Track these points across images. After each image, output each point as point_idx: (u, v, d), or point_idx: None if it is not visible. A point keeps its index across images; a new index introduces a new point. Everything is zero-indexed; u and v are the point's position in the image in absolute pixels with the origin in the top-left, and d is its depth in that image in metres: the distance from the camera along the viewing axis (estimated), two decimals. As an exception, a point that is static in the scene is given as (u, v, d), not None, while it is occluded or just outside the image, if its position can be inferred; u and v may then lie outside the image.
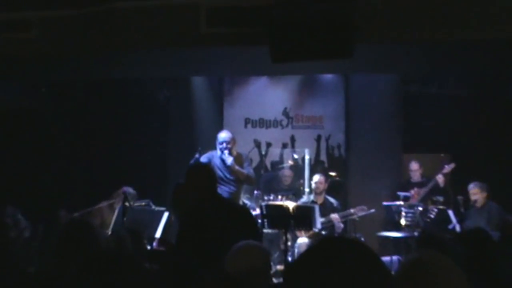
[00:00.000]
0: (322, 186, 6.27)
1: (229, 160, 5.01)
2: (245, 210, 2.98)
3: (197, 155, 4.91)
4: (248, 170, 5.21)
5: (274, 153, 7.65)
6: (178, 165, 5.04)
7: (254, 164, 7.76)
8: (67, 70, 5.30)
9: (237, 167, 5.11)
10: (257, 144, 7.45)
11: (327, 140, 7.68)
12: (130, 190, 5.23)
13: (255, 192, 6.35)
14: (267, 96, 7.99)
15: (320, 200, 6.16)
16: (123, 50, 4.41)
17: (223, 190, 5.10)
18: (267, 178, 7.03)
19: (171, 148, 7.43)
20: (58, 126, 6.85)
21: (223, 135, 5.25)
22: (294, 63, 4.28)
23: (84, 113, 7.09)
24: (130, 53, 4.68)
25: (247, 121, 7.97)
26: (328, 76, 7.88)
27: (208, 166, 3.14)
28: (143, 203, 5.07)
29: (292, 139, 7.88)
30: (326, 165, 7.74)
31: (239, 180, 5.18)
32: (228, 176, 5.22)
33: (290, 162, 7.57)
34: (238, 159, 5.29)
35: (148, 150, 7.19)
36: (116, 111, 7.21)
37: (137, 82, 7.11)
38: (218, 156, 5.13)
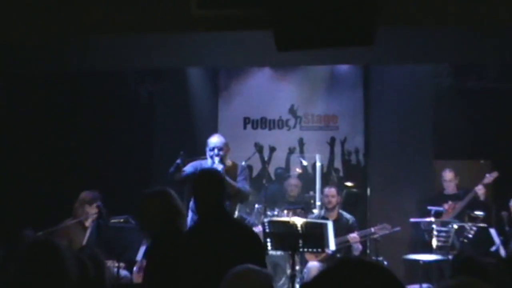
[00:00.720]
0: (335, 200, 6.23)
1: (219, 168, 4.96)
2: (254, 234, 2.98)
3: (178, 161, 4.81)
4: (242, 184, 5.14)
5: (279, 159, 7.73)
6: (163, 173, 4.98)
7: (255, 173, 7.76)
8: (24, 59, 5.08)
9: (227, 178, 5.07)
10: (259, 149, 7.45)
11: (342, 143, 7.76)
12: (90, 194, 5.12)
13: (256, 206, 6.39)
14: (271, 91, 8.00)
15: (333, 216, 6.16)
16: (96, 35, 4.34)
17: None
18: (271, 190, 7.01)
19: (156, 153, 7.52)
20: (18, 127, 6.76)
21: (214, 140, 5.19)
22: (303, 52, 4.22)
23: (50, 113, 6.98)
24: (105, 39, 4.61)
25: (246, 121, 7.98)
26: (344, 68, 7.88)
27: (220, 174, 3.12)
28: (122, 219, 4.97)
29: (301, 142, 7.88)
30: (341, 173, 7.74)
31: (231, 195, 5.13)
32: None
33: (298, 170, 7.56)
34: (232, 169, 5.21)
35: (128, 155, 7.24)
36: (89, 109, 7.21)
37: (114, 74, 7.08)
38: (209, 165, 5.07)
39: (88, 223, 5.16)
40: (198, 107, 7.62)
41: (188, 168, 5.05)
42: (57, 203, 5.61)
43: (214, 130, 7.02)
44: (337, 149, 7.77)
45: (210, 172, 3.16)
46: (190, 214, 4.97)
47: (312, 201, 6.98)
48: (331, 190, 6.27)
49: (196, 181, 2.94)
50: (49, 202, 6.12)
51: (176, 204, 2.68)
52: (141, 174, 7.32)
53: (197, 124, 7.47)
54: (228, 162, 5.24)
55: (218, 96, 7.98)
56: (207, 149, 5.14)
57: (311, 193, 7.10)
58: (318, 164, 7.31)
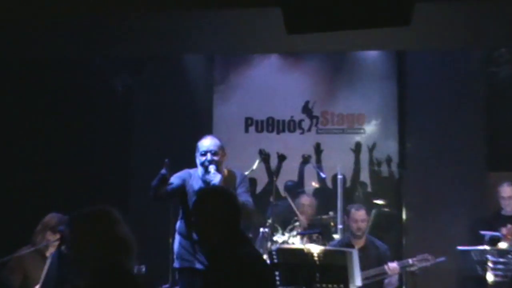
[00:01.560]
0: (365, 225, 6.18)
1: (216, 178, 4.91)
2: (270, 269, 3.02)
3: (163, 171, 4.75)
4: (244, 197, 5.02)
5: (290, 171, 7.69)
6: (144, 186, 5.00)
7: (259, 187, 7.78)
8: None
9: None
10: (264, 157, 7.43)
11: (370, 150, 7.82)
12: (56, 217, 5.06)
13: (261, 230, 6.33)
14: (280, 84, 7.98)
15: (359, 243, 6.06)
16: (63, 16, 4.36)
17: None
18: (280, 209, 6.98)
19: (135, 161, 7.61)
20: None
21: (207, 142, 4.99)
22: (320, 35, 4.18)
23: (3, 110, 7.02)
24: (74, 22, 4.64)
25: (248, 122, 7.98)
26: (373, 55, 7.85)
27: (232, 193, 3.14)
28: None
29: (318, 149, 7.89)
30: (369, 189, 7.74)
31: None
32: None
33: (314, 185, 7.56)
34: (229, 179, 5.05)
35: (101, 164, 7.25)
36: (52, 106, 7.25)
37: (83, 64, 7.15)
38: (199, 176, 5.02)
39: (48, 252, 5.02)
40: (187, 104, 7.66)
41: (175, 180, 4.95)
42: (12, 221, 5.60)
43: (207, 132, 6.95)
44: (364, 158, 7.79)
45: (220, 191, 3.17)
46: (177, 237, 4.96)
47: (332, 224, 6.94)
48: (360, 213, 6.13)
49: (210, 205, 2.95)
50: (2, 220, 6.13)
51: (120, 232, 2.53)
52: (117, 187, 7.30)
53: (186, 126, 7.48)
54: (224, 171, 5.17)
55: (213, 91, 7.99)
56: (197, 154, 4.98)
57: (331, 213, 7.04)
58: (339, 177, 7.24)
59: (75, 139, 7.23)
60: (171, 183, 4.82)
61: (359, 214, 6.08)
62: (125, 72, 7.69)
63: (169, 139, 7.37)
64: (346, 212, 6.26)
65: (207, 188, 3.31)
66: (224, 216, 2.89)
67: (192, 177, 4.94)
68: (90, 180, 7.06)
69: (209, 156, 4.91)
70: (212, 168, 4.85)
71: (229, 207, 2.95)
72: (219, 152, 4.95)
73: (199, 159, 4.95)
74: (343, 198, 7.12)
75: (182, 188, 4.85)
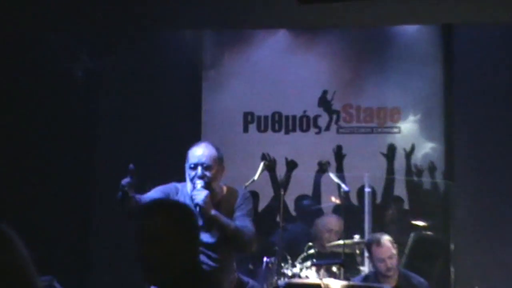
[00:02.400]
0: (394, 261, 6.04)
1: (200, 196, 4.87)
2: None
3: (126, 180, 4.63)
4: (242, 221, 5.04)
5: (303, 183, 7.79)
6: (112, 199, 4.92)
7: (262, 204, 7.71)
8: None
9: (214, 213, 4.95)
10: (269, 164, 7.33)
11: (408, 155, 7.80)
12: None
13: (265, 259, 6.37)
14: (289, 69, 7.97)
15: (391, 281, 6.02)
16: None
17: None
18: (290, 233, 7.11)
19: (100, 167, 7.63)
20: None
21: (198, 152, 4.97)
22: (340, 6, 4.06)
23: None
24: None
25: (248, 118, 8.00)
26: (411, 30, 7.84)
27: (190, 211, 2.99)
28: (45, 283, 5.01)
29: (339, 153, 7.87)
30: (405, 205, 7.69)
31: (224, 242, 5.03)
32: (203, 233, 5.02)
33: (335, 201, 7.60)
34: (228, 199, 5.09)
35: (56, 170, 7.31)
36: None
37: (33, 42, 7.22)
38: (188, 192, 4.98)
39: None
40: (168, 95, 7.67)
41: (155, 194, 4.96)
42: None
43: (195, 134, 7.03)
44: (399, 165, 7.79)
45: (171, 204, 3.02)
46: None
47: (358, 252, 6.89)
48: (384, 249, 6.00)
49: (146, 223, 2.78)
50: None
51: (19, 261, 2.29)
52: (77, 198, 7.31)
53: (166, 124, 7.50)
54: (222, 188, 5.10)
55: (201, 78, 7.97)
56: (187, 166, 5.00)
57: (356, 237, 6.95)
58: (367, 190, 7.25)
59: (22, 138, 7.30)
60: (140, 199, 4.75)
61: (383, 251, 6.03)
62: (87, 53, 7.67)
63: (144, 140, 7.43)
64: (367, 247, 6.26)
65: (152, 203, 3.19)
66: (183, 241, 2.78)
67: (180, 194, 5.00)
68: (43, 189, 7.15)
69: (199, 170, 4.92)
70: (199, 183, 4.87)
71: (190, 227, 2.85)
72: (214, 166, 4.98)
73: (188, 173, 4.99)
74: (371, 218, 7.11)
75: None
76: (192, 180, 4.93)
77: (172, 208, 2.85)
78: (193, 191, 4.88)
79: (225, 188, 5.11)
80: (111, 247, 7.23)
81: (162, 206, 2.90)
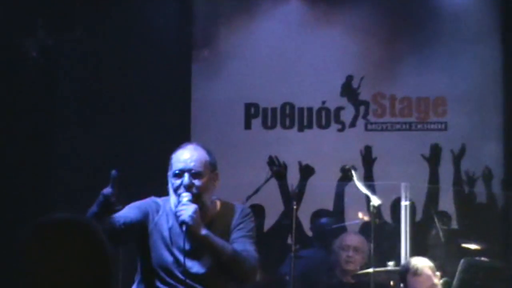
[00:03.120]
0: None
1: (186, 211, 4.79)
2: None
3: (106, 191, 4.52)
4: (242, 245, 5.01)
5: (321, 193, 7.83)
6: (75, 207, 4.90)
7: (269, 222, 7.68)
8: None
9: (205, 233, 4.92)
10: (278, 170, 7.34)
11: (456, 159, 7.82)
12: None
13: None
14: (304, 48, 7.98)
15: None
16: None
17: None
18: (305, 260, 7.06)
19: (59, 169, 7.70)
20: None
21: (185, 155, 4.96)
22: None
23: None
24: None
25: (251, 111, 8.04)
26: (460, 0, 7.83)
27: (97, 232, 2.81)
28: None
29: (367, 156, 7.90)
30: (454, 224, 7.65)
31: (218, 272, 5.13)
32: (192, 261, 4.90)
33: (362, 217, 7.59)
34: (223, 216, 5.05)
35: (12, 167, 7.42)
36: None
37: None
38: (172, 208, 4.84)
39: None
40: (148, 81, 7.65)
41: (131, 210, 4.87)
42: None
43: (182, 131, 7.07)
44: (445, 171, 7.80)
45: (76, 227, 2.87)
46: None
47: (392, 283, 6.94)
48: (423, 278, 6.02)
49: (41, 249, 2.59)
50: None
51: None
52: (34, 202, 7.34)
53: (145, 118, 7.52)
54: (215, 203, 5.03)
55: (191, 59, 7.96)
56: (170, 174, 4.93)
57: (390, 264, 7.09)
58: (404, 204, 7.21)
59: None
60: (115, 219, 4.73)
61: (422, 281, 6.02)
62: (44, 28, 7.69)
63: (116, 138, 7.39)
64: (401, 276, 6.26)
65: (45, 221, 3.08)
66: (82, 274, 2.63)
67: (161, 212, 4.95)
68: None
69: (186, 178, 4.83)
70: (185, 196, 4.79)
71: (92, 256, 2.69)
72: (205, 173, 4.90)
73: (171, 182, 4.92)
74: (409, 240, 7.13)
75: (140, 226, 4.81)
76: (176, 191, 4.85)
77: (74, 230, 2.72)
78: (177, 206, 4.80)
79: (218, 203, 5.03)
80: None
81: (60, 229, 2.73)
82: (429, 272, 5.97)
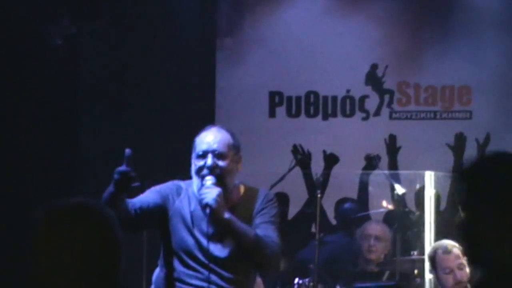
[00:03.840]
0: (465, 276, 5.98)
1: (210, 194, 4.82)
2: None
3: (120, 169, 4.54)
4: (265, 230, 5.00)
5: (346, 182, 7.84)
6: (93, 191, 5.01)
7: (293, 209, 7.67)
8: None
9: (228, 217, 4.93)
10: (302, 160, 7.50)
11: (481, 148, 7.79)
12: None
13: (297, 281, 6.48)
14: (328, 37, 7.97)
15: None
16: None
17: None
18: (330, 247, 7.10)
19: (84, 157, 7.73)
20: None
21: (208, 137, 5.00)
22: None
23: None
24: None
25: (275, 99, 8.03)
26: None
27: (108, 215, 2.84)
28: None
29: (392, 145, 7.90)
30: None
31: (240, 256, 5.07)
32: (214, 245, 4.94)
33: (387, 206, 7.59)
34: (245, 201, 5.07)
35: (28, 159, 7.45)
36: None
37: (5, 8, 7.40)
38: (195, 191, 4.97)
39: None
40: (171, 69, 7.69)
41: (150, 195, 4.94)
42: None
43: (206, 119, 6.97)
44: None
45: (78, 209, 2.82)
46: (156, 271, 5.08)
47: (416, 272, 6.91)
48: (451, 257, 5.99)
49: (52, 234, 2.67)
50: None
51: (117, 238, 2.74)
52: (58, 188, 7.33)
53: (168, 106, 7.53)
54: (238, 188, 5.07)
55: (215, 47, 7.95)
56: (193, 156, 4.96)
57: (414, 253, 7.13)
58: (428, 193, 7.22)
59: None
60: (135, 204, 4.78)
61: (452, 259, 5.96)
62: (69, 16, 7.68)
63: (139, 127, 7.43)
64: (430, 257, 6.17)
65: (58, 205, 3.09)
66: (92, 259, 2.69)
67: (183, 195, 4.96)
68: (17, 176, 7.38)
69: (210, 159, 4.84)
70: (209, 179, 4.79)
71: (102, 241, 2.74)
72: (228, 153, 4.92)
73: (194, 164, 4.93)
74: (435, 229, 7.11)
75: (159, 210, 4.81)
76: (199, 172, 4.87)
77: (78, 215, 2.77)
78: (200, 189, 4.82)
79: (242, 188, 5.06)
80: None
81: (63, 214, 2.80)
82: (458, 252, 5.93)
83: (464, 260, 5.95)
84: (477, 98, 7.84)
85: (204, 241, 4.90)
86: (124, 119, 7.61)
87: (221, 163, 4.81)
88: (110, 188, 4.58)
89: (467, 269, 5.95)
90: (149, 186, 5.18)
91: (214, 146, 4.83)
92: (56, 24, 7.73)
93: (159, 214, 4.79)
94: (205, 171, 4.80)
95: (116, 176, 4.56)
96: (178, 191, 4.95)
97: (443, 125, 7.88)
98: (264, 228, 4.91)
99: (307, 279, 6.37)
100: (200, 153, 4.85)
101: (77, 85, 7.86)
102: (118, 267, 2.65)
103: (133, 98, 7.72)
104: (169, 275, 4.89)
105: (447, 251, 5.95)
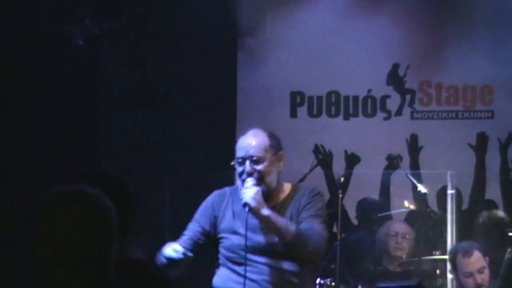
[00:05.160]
0: (486, 278, 6.06)
1: (248, 193, 4.94)
2: None
3: (175, 255, 4.85)
4: (309, 223, 5.08)
5: (367, 182, 7.88)
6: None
7: None
8: None
9: (268, 213, 5.02)
10: (323, 160, 7.59)
11: (503, 147, 7.80)
12: None
13: (319, 281, 6.47)
14: (350, 37, 7.96)
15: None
16: None
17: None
18: (352, 245, 7.13)
19: (102, 160, 7.69)
20: None
21: (245, 142, 5.16)
22: None
23: None
24: None
25: (297, 99, 8.02)
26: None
27: (101, 200, 2.95)
28: None
29: (413, 145, 7.88)
30: (501, 212, 7.59)
31: (282, 251, 5.12)
32: (261, 244, 5.12)
33: (408, 205, 7.59)
34: (293, 196, 5.18)
35: (48, 163, 7.44)
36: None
37: (26, 4, 7.43)
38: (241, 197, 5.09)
39: None
40: (192, 69, 7.70)
41: (195, 225, 5.18)
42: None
43: (227, 119, 7.05)
44: (492, 159, 7.80)
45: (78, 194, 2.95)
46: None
47: (438, 272, 7.00)
48: (472, 260, 6.03)
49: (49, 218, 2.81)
50: None
51: (107, 218, 2.84)
52: None
53: (188, 106, 7.53)
54: (283, 186, 5.23)
55: (236, 47, 7.95)
56: (234, 162, 5.15)
57: (437, 253, 7.12)
58: (450, 192, 7.24)
59: (14, 120, 7.52)
60: (190, 237, 5.05)
61: (472, 263, 6.03)
62: (90, 16, 7.69)
63: (161, 128, 7.46)
64: (451, 259, 6.30)
65: (56, 189, 3.23)
66: (85, 243, 2.80)
67: (225, 201, 5.24)
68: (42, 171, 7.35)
69: (248, 165, 5.05)
70: (249, 181, 4.97)
71: (96, 226, 2.84)
72: (266, 156, 5.12)
73: (236, 170, 5.17)
74: (456, 228, 7.12)
75: (210, 229, 5.09)
76: (240, 177, 5.08)
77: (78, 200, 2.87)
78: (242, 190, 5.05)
79: (289, 186, 5.22)
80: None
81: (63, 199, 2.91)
82: (479, 255, 5.97)
83: (484, 262, 6.02)
84: (499, 98, 7.79)
85: (244, 237, 5.00)
86: (146, 119, 7.62)
87: (259, 167, 4.98)
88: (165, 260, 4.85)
89: (487, 271, 6.02)
90: (170, 186, 5.23)
91: (251, 152, 5.00)
92: (77, 25, 7.71)
93: (211, 231, 5.04)
94: (244, 176, 4.98)
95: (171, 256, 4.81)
96: (220, 200, 5.14)
97: (465, 125, 7.84)
98: (308, 222, 5.01)
99: (328, 280, 6.36)
100: (239, 160, 5.02)
101: (98, 85, 7.88)
102: (109, 257, 2.75)
103: (154, 98, 7.71)
104: (223, 274, 5.05)
105: (467, 254, 5.98)
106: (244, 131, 5.37)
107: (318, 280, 6.41)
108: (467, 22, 7.87)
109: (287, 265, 5.07)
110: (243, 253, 5.07)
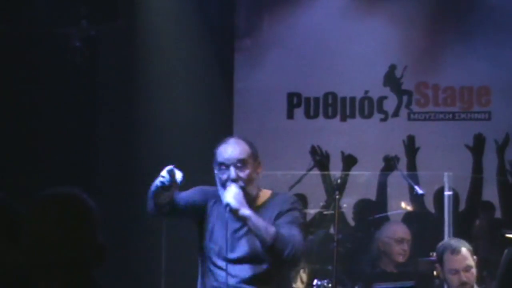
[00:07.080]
0: (472, 276, 5.97)
1: (228, 194, 4.98)
2: None
3: (164, 180, 4.84)
4: (288, 229, 5.10)
5: (364, 183, 7.86)
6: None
7: (312, 210, 7.61)
8: None
9: (248, 214, 5.04)
10: (320, 161, 7.52)
11: (500, 148, 7.78)
12: None
13: (316, 282, 6.52)
14: (347, 38, 7.98)
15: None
16: None
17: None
18: (348, 249, 7.13)
19: (100, 161, 7.72)
20: None
21: (229, 150, 5.19)
22: None
23: None
24: None
25: (293, 100, 8.02)
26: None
27: (84, 203, 2.97)
28: None
29: (410, 145, 7.86)
30: (498, 213, 7.62)
31: (262, 254, 5.13)
32: (237, 244, 5.16)
33: (405, 207, 7.59)
34: (271, 203, 5.19)
35: (52, 154, 7.49)
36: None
37: (20, 4, 7.38)
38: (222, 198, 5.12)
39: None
40: (190, 70, 7.71)
41: (195, 193, 5.20)
42: None
43: (224, 120, 7.04)
44: (489, 161, 7.78)
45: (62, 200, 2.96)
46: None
47: (435, 273, 6.70)
48: (459, 257, 5.97)
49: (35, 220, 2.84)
50: None
51: (91, 219, 2.87)
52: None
53: (186, 107, 7.51)
54: (264, 192, 5.26)
55: (233, 48, 7.96)
56: (215, 168, 5.16)
57: (433, 254, 6.82)
58: (447, 194, 7.17)
59: (9, 121, 7.52)
60: (176, 202, 5.00)
61: (458, 260, 5.94)
62: (87, 17, 7.65)
63: (157, 128, 7.45)
64: (438, 255, 6.15)
65: (44, 194, 3.31)
66: (68, 243, 2.82)
67: (216, 203, 5.22)
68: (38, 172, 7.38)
69: (232, 172, 5.08)
70: (232, 188, 5.02)
71: (80, 227, 2.87)
72: (248, 163, 5.16)
73: (218, 177, 5.16)
74: (453, 229, 7.08)
75: (200, 209, 5.11)
76: (223, 185, 5.09)
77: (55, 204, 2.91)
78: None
79: (267, 193, 5.25)
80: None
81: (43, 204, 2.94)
82: (467, 253, 5.94)
83: (472, 261, 5.96)
84: (496, 99, 7.81)
85: (225, 239, 5.05)
86: (142, 120, 7.63)
87: (242, 174, 5.01)
88: (153, 190, 4.88)
89: (474, 270, 5.97)
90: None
91: (235, 160, 5.02)
92: (74, 26, 7.64)
93: (198, 212, 5.06)
94: (229, 183, 5.00)
95: (160, 183, 4.83)
96: (214, 194, 5.14)
97: (462, 126, 7.86)
98: (287, 228, 5.01)
99: (325, 281, 6.37)
100: (223, 167, 5.03)
101: (95, 86, 7.88)
102: (91, 256, 2.77)
103: (151, 99, 7.71)
104: (204, 272, 5.07)
105: (455, 251, 5.95)
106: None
107: (315, 282, 6.46)
108: (464, 23, 7.90)
109: (265, 268, 5.10)
110: (223, 254, 5.10)
